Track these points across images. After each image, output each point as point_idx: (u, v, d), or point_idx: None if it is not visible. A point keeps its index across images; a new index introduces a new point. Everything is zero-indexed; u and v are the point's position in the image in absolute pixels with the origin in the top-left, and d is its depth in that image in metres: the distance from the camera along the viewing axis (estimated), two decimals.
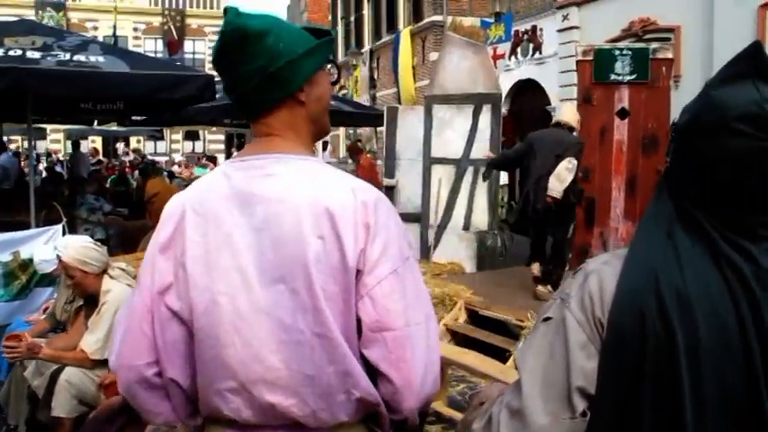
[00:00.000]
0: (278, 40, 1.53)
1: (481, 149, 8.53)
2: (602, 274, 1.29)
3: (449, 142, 8.88)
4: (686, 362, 1.17)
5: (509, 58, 16.93)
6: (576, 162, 6.38)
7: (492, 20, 12.23)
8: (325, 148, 33.65)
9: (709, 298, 1.19)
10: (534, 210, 6.50)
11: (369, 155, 12.88)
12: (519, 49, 16.71)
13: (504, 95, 17.16)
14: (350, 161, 13.01)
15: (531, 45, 16.25)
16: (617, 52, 8.05)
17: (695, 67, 11.05)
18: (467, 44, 8.91)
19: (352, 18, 27.37)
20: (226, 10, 1.56)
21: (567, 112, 7.13)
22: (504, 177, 14.85)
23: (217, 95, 7.67)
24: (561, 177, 6.28)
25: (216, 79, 7.14)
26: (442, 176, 8.93)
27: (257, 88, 1.55)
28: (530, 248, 7.06)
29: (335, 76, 1.74)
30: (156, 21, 39.28)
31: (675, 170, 1.34)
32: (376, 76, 24.27)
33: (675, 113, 8.23)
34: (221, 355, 1.47)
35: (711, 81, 1.34)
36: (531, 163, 6.73)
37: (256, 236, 1.47)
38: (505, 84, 17.12)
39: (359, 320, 1.48)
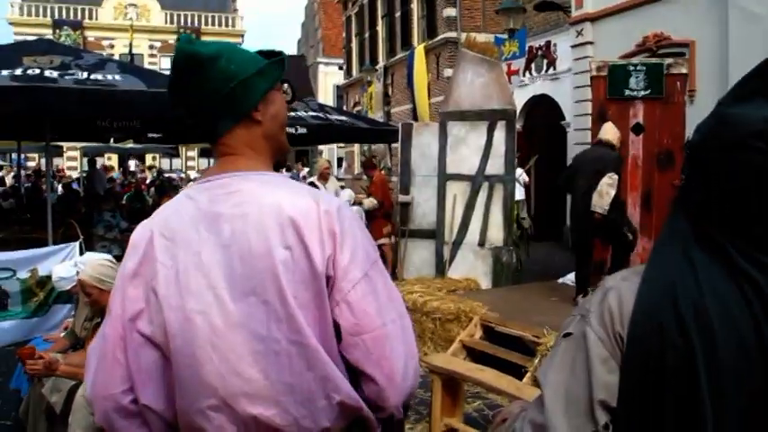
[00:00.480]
0: (229, 62, 1.58)
1: (496, 166, 8.55)
2: (621, 290, 1.31)
3: (463, 159, 8.89)
4: (706, 376, 1.17)
5: (523, 74, 16.96)
6: (616, 177, 6.47)
7: (506, 36, 12.25)
8: (340, 165, 33.82)
9: (727, 312, 1.20)
10: (581, 229, 6.63)
11: (382, 171, 12.91)
12: (533, 65, 16.75)
13: (518, 111, 17.31)
14: (364, 177, 13.04)
15: (545, 61, 16.29)
16: (631, 68, 8.05)
17: (710, 83, 11.02)
18: (481, 60, 8.93)
19: (367, 35, 27.52)
20: (178, 38, 1.63)
21: (608, 130, 7.19)
22: (519, 193, 14.90)
23: None
24: (603, 192, 6.36)
25: None
26: (456, 193, 8.94)
27: (213, 110, 1.60)
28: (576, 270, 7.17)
29: (290, 95, 1.77)
30: (172, 39, 39.77)
31: (690, 187, 1.35)
32: (390, 93, 24.37)
33: (690, 129, 8.28)
34: (200, 372, 1.47)
35: (724, 98, 1.35)
36: (575, 183, 6.79)
37: (224, 252, 1.49)
38: (519, 99, 17.12)
39: (336, 325, 1.50)
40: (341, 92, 33.89)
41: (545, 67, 16.35)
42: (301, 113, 13.42)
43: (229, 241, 1.49)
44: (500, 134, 8.61)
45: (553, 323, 5.97)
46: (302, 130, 12.89)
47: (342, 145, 30.85)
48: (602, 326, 1.29)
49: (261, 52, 1.69)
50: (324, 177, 11.91)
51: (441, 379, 4.76)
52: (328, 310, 1.49)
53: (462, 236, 8.85)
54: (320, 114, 13.62)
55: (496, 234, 8.60)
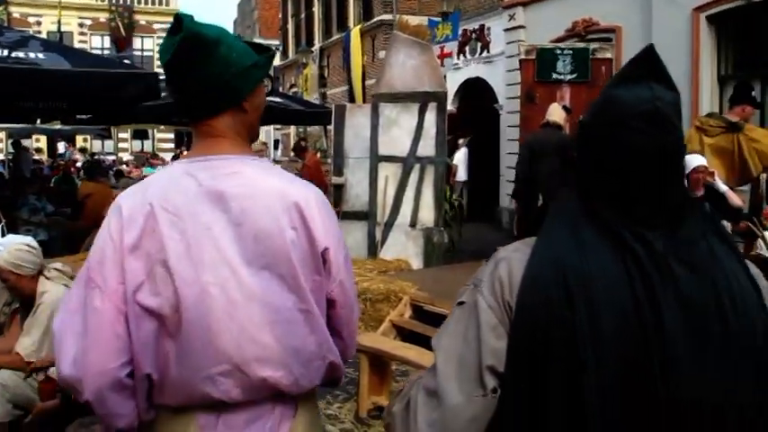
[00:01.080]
0: (230, 49, 1.68)
1: (427, 147, 8.64)
2: (511, 260, 1.37)
3: (395, 140, 8.94)
4: (590, 347, 1.24)
5: (458, 57, 17.07)
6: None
7: (439, 19, 12.32)
8: (276, 147, 33.54)
9: (609, 282, 1.27)
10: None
11: (314, 153, 12.89)
12: (467, 48, 16.89)
13: (452, 94, 17.46)
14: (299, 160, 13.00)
15: (479, 44, 16.44)
16: (558, 52, 8.23)
17: None
18: (413, 43, 8.98)
19: (303, 16, 27.30)
20: (179, 16, 1.66)
21: (555, 111, 7.28)
22: (463, 174, 15.07)
23: (162, 94, 7.59)
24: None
25: (161, 78, 7.08)
26: (388, 174, 8.99)
27: (209, 93, 1.68)
28: None
29: (269, 88, 1.89)
30: (103, 16, 38.58)
31: (580, 165, 1.42)
32: (326, 75, 24.26)
33: None
34: (214, 342, 1.57)
35: (612, 80, 1.43)
36: (535, 167, 6.80)
37: (237, 230, 1.61)
38: (454, 82, 17.31)
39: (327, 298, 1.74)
40: (277, 73, 33.51)
41: (479, 51, 16.51)
42: None
43: (240, 219, 1.61)
44: (431, 116, 8.68)
45: None
46: None
47: (278, 127, 30.59)
48: (492, 294, 1.34)
49: (248, 43, 1.79)
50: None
51: (368, 358, 4.83)
52: (323, 284, 1.70)
53: (394, 217, 8.92)
54: None
55: (428, 215, 8.70)
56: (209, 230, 1.59)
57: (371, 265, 8.18)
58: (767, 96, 9.57)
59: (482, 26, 16.32)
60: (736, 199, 5.69)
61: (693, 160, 5.96)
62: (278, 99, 14.06)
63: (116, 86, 7.12)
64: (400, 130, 8.92)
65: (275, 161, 26.69)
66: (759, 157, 6.43)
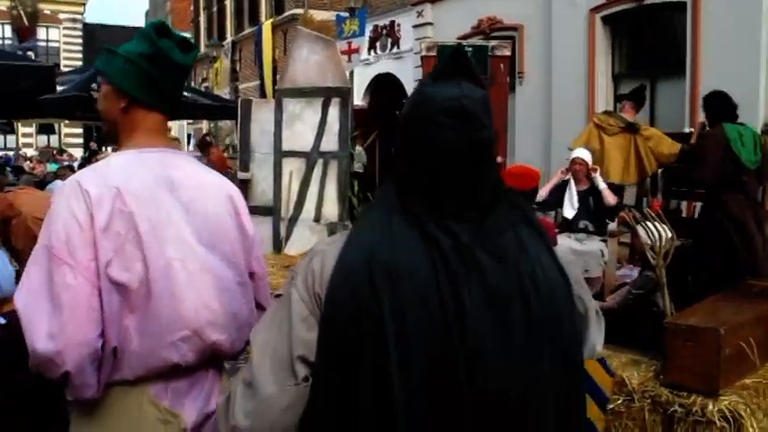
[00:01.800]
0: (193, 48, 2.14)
1: (330, 142, 8.67)
2: (325, 253, 1.41)
3: (299, 135, 8.92)
4: (394, 341, 1.28)
5: (368, 52, 17.18)
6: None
7: (347, 14, 12.36)
8: (189, 142, 32.85)
9: (415, 277, 1.31)
10: None
11: (218, 149, 12.79)
12: (378, 44, 17.01)
13: (363, 89, 17.58)
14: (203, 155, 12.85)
15: (390, 40, 16.58)
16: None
17: (537, 65, 11.66)
18: (316, 38, 8.99)
19: (215, 8, 26.85)
20: (164, 26, 2.02)
21: None
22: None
23: (59, 88, 7.37)
24: None
25: (59, 71, 6.87)
26: (292, 169, 8.97)
27: (178, 93, 2.09)
28: None
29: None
30: (4, 5, 36.89)
31: (397, 159, 1.48)
32: (238, 69, 23.93)
33: (520, 110, 8.80)
34: (179, 308, 1.80)
35: (425, 79, 1.49)
36: None
37: (188, 214, 1.88)
38: (365, 77, 17.42)
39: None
40: (193, 66, 32.87)
41: (389, 46, 16.64)
42: None
43: (190, 206, 1.89)
44: (334, 111, 8.70)
45: None
46: None
47: (190, 122, 30.02)
48: (304, 287, 1.39)
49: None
50: None
51: None
52: (250, 261, 2.04)
53: (298, 212, 8.91)
54: None
55: (332, 210, 8.72)
56: (168, 213, 1.84)
57: (274, 260, 8.16)
58: (657, 94, 10.02)
59: (392, 22, 16.46)
60: (610, 197, 5.94)
61: (574, 152, 6.22)
62: (187, 93, 13.84)
63: (12, 79, 6.88)
64: (304, 125, 8.91)
65: None
66: (654, 156, 6.75)
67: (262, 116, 9.42)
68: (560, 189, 6.25)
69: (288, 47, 20.33)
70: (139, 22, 49.61)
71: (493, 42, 8.62)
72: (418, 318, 1.29)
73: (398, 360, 1.27)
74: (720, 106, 5.54)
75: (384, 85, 16.92)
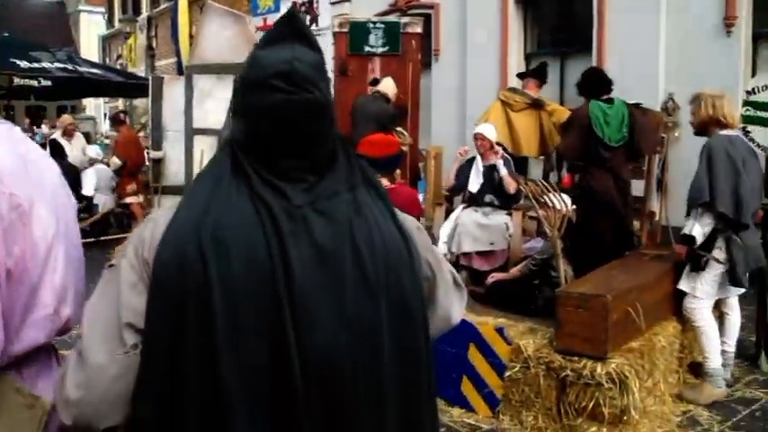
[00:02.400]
0: None
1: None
2: (158, 219, 1.39)
3: (210, 113, 8.76)
4: (221, 295, 1.27)
5: None
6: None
7: None
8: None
9: (245, 234, 1.31)
10: None
11: (128, 127, 12.55)
12: None
13: None
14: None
15: (309, 17, 16.39)
16: (371, 25, 8.37)
17: (453, 43, 11.75)
18: (226, 13, 8.83)
19: None
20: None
21: (387, 84, 7.52)
22: None
23: None
24: None
25: None
26: (204, 148, 8.82)
27: None
28: None
29: None
30: None
31: (233, 122, 1.47)
32: (155, 46, 23.29)
33: (436, 87, 8.85)
34: (41, 287, 1.68)
35: (260, 42, 1.48)
36: (354, 131, 6.92)
37: (40, 191, 1.73)
38: None
39: None
40: (104, 43, 31.78)
41: (309, 23, 16.47)
42: (45, 65, 12.41)
43: (41, 179, 1.75)
44: None
45: None
46: (46, 83, 12.02)
47: (107, 100, 29.08)
48: (134, 254, 1.36)
49: None
50: (68, 134, 11.28)
51: None
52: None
53: None
54: (68, 66, 12.69)
55: None
56: (30, 190, 1.70)
57: None
58: (566, 73, 10.25)
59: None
60: (511, 186, 6.03)
61: (477, 128, 6.32)
62: (94, 69, 13.38)
63: None
64: (215, 102, 8.76)
65: (105, 136, 25.37)
66: (557, 132, 6.92)
67: (174, 93, 9.20)
68: (467, 169, 6.33)
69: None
70: None
71: (405, 19, 8.66)
72: (245, 281, 1.29)
73: (225, 325, 1.27)
74: (591, 83, 5.68)
75: None
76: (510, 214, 6.08)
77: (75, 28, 40.61)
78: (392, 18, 9.15)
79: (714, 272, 4.52)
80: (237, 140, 1.41)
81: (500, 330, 4.34)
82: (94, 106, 32.26)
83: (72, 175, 10.00)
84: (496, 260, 5.96)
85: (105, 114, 32.19)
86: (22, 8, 40.80)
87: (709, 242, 4.47)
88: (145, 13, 23.90)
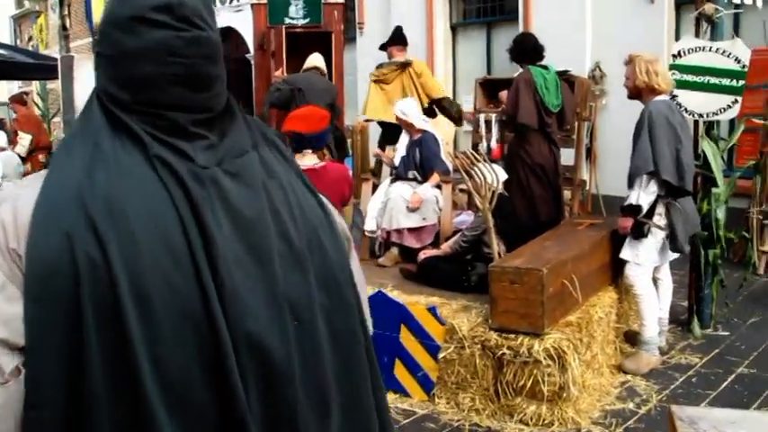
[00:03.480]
0: None
1: None
2: (17, 199, 1.08)
3: None
4: (126, 277, 1.01)
5: None
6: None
7: None
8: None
9: (146, 204, 1.05)
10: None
11: (28, 107, 12.23)
12: None
13: None
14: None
15: None
16: None
17: (377, 15, 11.48)
18: None
19: None
20: None
21: (318, 59, 7.27)
22: None
23: None
24: None
25: None
26: None
27: None
28: None
29: None
30: None
31: (101, 69, 1.19)
32: (69, 26, 22.17)
33: (360, 60, 8.57)
34: None
35: None
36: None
37: None
38: None
39: None
40: (16, 24, 30.22)
41: None
42: None
43: None
44: None
45: None
46: None
47: (21, 84, 27.74)
48: None
49: None
50: None
51: None
52: None
53: None
54: None
55: None
56: None
57: None
58: (492, 42, 10.12)
59: None
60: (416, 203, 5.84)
61: (396, 108, 6.07)
62: (3, 51, 12.68)
63: None
64: None
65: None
66: (425, 92, 6.84)
67: (86, 73, 8.66)
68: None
69: None
70: None
71: None
72: (156, 258, 1.03)
73: (139, 326, 1.01)
74: (527, 49, 5.58)
75: (225, 40, 16.19)
76: (439, 187, 5.89)
77: None
78: None
79: (656, 238, 4.41)
80: (110, 94, 1.14)
81: (432, 310, 4.15)
82: (7, 91, 30.77)
83: None
84: (428, 236, 5.77)
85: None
86: None
87: (650, 209, 4.35)
88: None
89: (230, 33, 16.01)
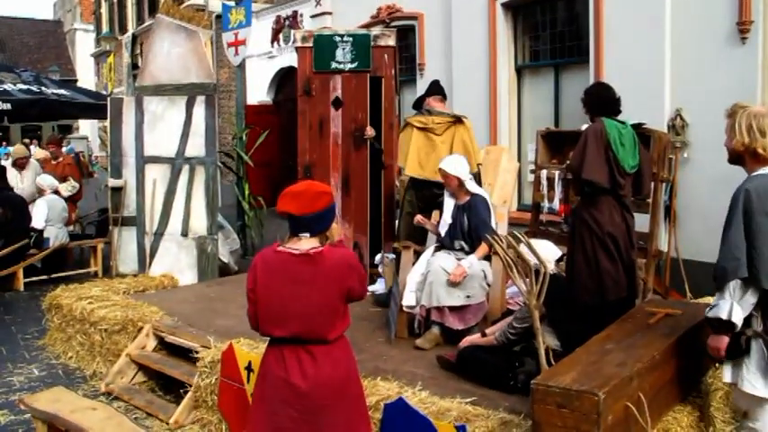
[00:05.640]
0: None
1: (196, 146, 7.68)
2: None
3: (162, 138, 7.91)
4: None
5: (271, 45, 16.17)
6: None
7: (233, 3, 11.29)
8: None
9: None
10: None
11: (49, 149, 12.00)
12: (281, 36, 16.00)
13: (267, 83, 16.54)
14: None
15: (293, 31, 15.53)
16: (338, 39, 7.44)
17: (438, 56, 10.83)
18: (178, 29, 7.95)
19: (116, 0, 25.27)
20: None
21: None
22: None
23: None
24: None
25: None
26: (156, 177, 7.94)
27: None
28: None
29: None
30: None
31: None
32: (141, 64, 22.48)
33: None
34: None
35: None
36: None
37: None
38: (270, 70, 16.40)
39: None
40: (96, 62, 31.07)
41: (292, 38, 15.61)
42: (8, 86, 11.71)
43: None
44: (200, 110, 7.72)
45: (234, 328, 5.23)
46: (5, 106, 11.25)
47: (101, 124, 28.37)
48: None
49: None
50: (20, 166, 10.47)
51: (45, 425, 3.84)
52: None
53: (164, 225, 7.88)
54: (33, 88, 11.97)
55: (200, 222, 7.72)
56: None
57: (128, 283, 7.09)
58: (561, 87, 9.30)
59: (295, 12, 15.45)
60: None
61: (442, 164, 5.34)
62: (61, 91, 12.58)
63: None
64: (167, 126, 7.88)
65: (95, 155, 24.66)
66: (473, 150, 6.27)
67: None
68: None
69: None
70: (47, 13, 47.26)
71: (375, 31, 7.72)
72: None
73: None
74: (601, 99, 4.77)
75: (288, 80, 15.89)
76: (489, 258, 5.12)
77: (71, 46, 40.09)
78: (361, 30, 8.20)
79: (763, 351, 3.07)
80: None
81: (461, 430, 3.36)
82: (89, 125, 31.59)
83: (19, 207, 9.14)
84: (473, 316, 4.99)
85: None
86: (19, 26, 40.38)
87: (748, 316, 3.07)
88: (131, 31, 23.12)
89: (291, 72, 15.70)
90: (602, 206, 4.57)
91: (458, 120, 6.38)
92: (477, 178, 6.09)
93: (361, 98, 7.16)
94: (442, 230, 5.31)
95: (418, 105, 6.69)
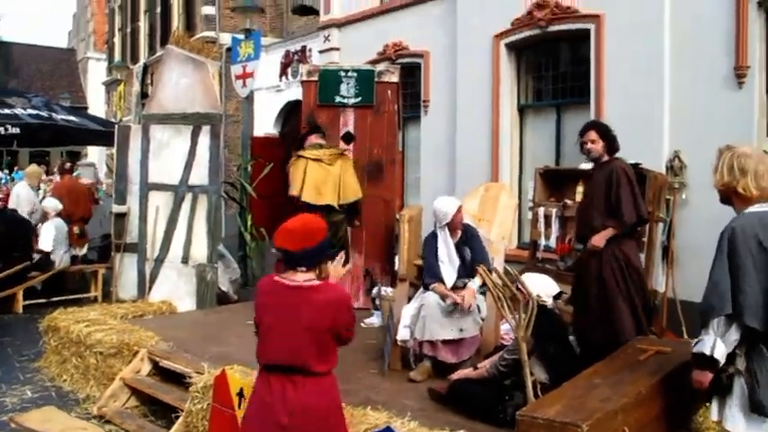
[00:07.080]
0: None
1: (200, 175, 7.78)
2: None
3: (167, 166, 8.01)
4: None
5: (279, 78, 16.40)
6: None
7: (242, 36, 11.51)
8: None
9: None
10: None
11: (70, 177, 12.35)
12: (289, 70, 16.24)
13: (275, 116, 16.72)
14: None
15: (301, 65, 15.77)
16: (342, 74, 7.59)
17: (442, 93, 10.98)
18: (186, 59, 8.10)
19: (129, 30, 25.66)
20: None
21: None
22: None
23: None
24: None
25: None
26: (159, 204, 8.02)
27: None
28: None
29: None
30: None
31: None
32: (150, 93, 22.78)
33: (426, 141, 7.98)
34: None
35: None
36: None
37: None
38: (277, 103, 16.61)
39: None
40: (107, 90, 31.46)
41: (300, 72, 15.84)
42: (18, 111, 11.91)
43: None
44: (205, 140, 7.83)
45: (230, 356, 5.25)
46: (14, 130, 11.42)
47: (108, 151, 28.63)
48: None
49: None
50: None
51: None
52: None
53: (165, 252, 7.94)
54: (42, 113, 12.15)
55: (200, 250, 7.78)
56: None
57: (126, 308, 7.14)
58: (563, 125, 9.41)
59: (304, 47, 15.71)
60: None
61: (438, 204, 5.41)
62: (71, 117, 12.76)
63: None
64: (172, 155, 7.99)
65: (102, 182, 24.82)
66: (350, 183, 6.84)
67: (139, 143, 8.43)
68: (432, 247, 5.39)
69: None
70: (62, 42, 47.96)
71: (380, 67, 7.86)
72: None
73: None
74: (615, 137, 4.95)
75: (295, 113, 16.06)
76: (484, 293, 5.15)
77: (83, 74, 40.60)
78: (366, 66, 8.35)
79: (744, 390, 3.08)
80: None
81: None
82: (97, 152, 31.81)
83: (18, 225, 9.23)
84: (466, 350, 5.02)
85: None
86: (34, 53, 40.94)
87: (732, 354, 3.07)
88: (143, 60, 23.46)
89: (299, 106, 15.88)
90: (629, 242, 4.74)
91: (341, 153, 6.93)
92: (358, 206, 6.85)
93: (378, 135, 7.41)
94: (450, 278, 5.24)
95: (301, 143, 6.98)
